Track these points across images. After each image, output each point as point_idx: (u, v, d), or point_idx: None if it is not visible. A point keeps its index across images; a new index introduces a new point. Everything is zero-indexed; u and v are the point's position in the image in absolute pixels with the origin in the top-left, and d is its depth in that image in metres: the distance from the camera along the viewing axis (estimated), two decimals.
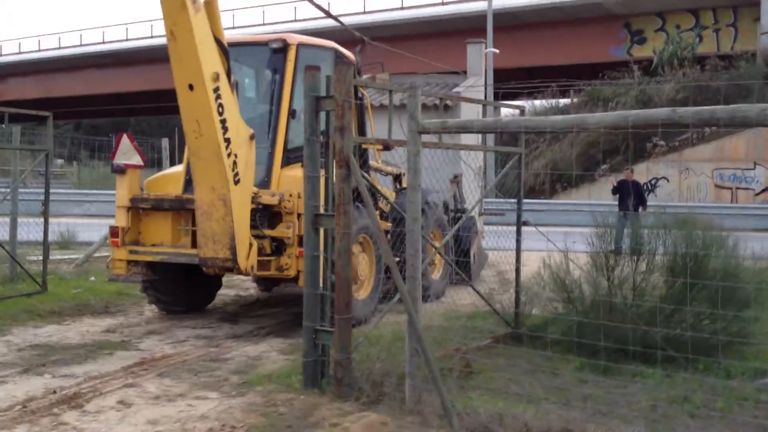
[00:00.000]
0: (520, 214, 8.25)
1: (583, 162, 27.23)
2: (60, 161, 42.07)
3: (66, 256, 14.35)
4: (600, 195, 27.15)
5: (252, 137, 7.65)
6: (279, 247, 8.11)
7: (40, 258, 11.30)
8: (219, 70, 7.05)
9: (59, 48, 53.41)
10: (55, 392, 6.01)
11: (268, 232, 8.09)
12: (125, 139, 8.97)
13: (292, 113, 8.54)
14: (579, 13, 34.64)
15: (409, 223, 5.44)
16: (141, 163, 8.94)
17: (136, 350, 7.58)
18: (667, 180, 27.53)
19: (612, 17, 34.54)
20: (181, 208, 8.50)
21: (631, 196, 16.39)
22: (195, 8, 6.72)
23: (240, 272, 7.82)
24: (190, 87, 6.91)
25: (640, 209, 16.47)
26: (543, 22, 35.29)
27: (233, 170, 7.27)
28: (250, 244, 7.70)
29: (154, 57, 49.67)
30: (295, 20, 43.43)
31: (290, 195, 7.97)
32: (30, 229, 11.69)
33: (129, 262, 8.67)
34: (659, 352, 6.68)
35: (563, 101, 32.03)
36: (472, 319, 8.87)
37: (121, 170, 8.72)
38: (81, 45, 52.50)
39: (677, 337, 6.90)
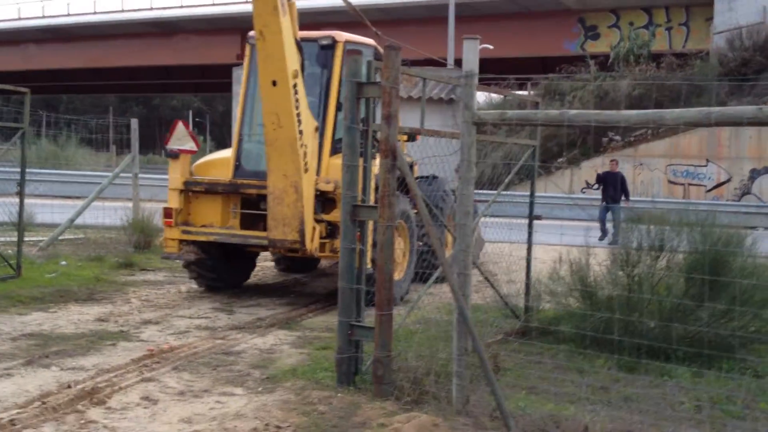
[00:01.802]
0: (533, 207, 8.19)
1: (541, 155, 27.20)
2: None
3: (28, 239, 13.66)
4: (556, 188, 27.34)
5: (316, 129, 8.30)
6: (333, 230, 8.55)
7: (7, 239, 10.80)
8: (297, 68, 7.72)
9: None
10: (69, 387, 5.63)
11: (325, 216, 8.58)
12: (180, 126, 9.51)
13: (338, 106, 8.94)
14: (534, 6, 34.82)
15: (460, 217, 5.22)
16: (195, 148, 9.51)
17: (138, 341, 7.19)
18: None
19: (566, 12, 34.80)
20: (235, 192, 9.13)
21: (615, 186, 16.75)
22: (283, 11, 7.32)
23: (304, 253, 8.47)
24: (273, 83, 7.52)
25: (623, 199, 16.84)
26: (498, 14, 35.34)
27: (303, 159, 7.90)
28: (314, 228, 8.30)
29: (96, 33, 48.27)
30: None
31: None
32: None
33: (181, 241, 9.24)
34: (681, 350, 6.66)
35: (519, 93, 32.08)
36: (473, 312, 8.69)
37: (175, 155, 9.27)
38: (19, 18, 50.58)
39: (698, 335, 6.86)
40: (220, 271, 9.72)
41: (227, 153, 9.70)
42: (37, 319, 7.91)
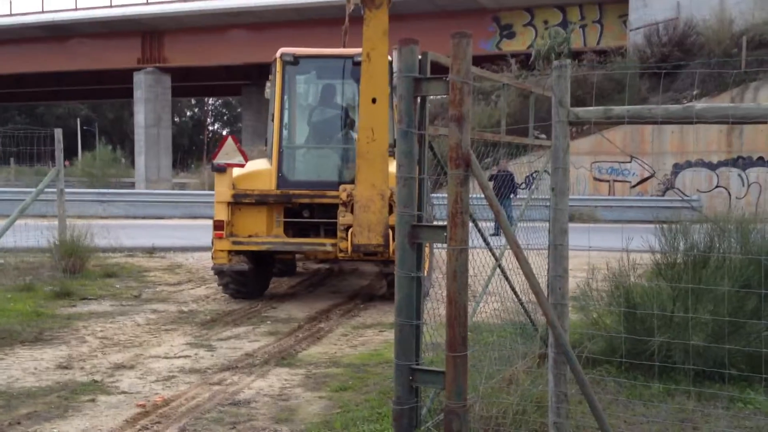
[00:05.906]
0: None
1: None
2: None
3: None
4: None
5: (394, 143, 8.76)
6: None
7: None
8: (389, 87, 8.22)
9: None
10: None
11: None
12: (230, 141, 9.65)
13: None
14: (449, 6, 34.34)
15: (556, 236, 4.36)
16: (243, 162, 9.64)
17: (120, 393, 6.01)
18: (548, 173, 27.58)
19: (482, 11, 34.47)
20: (284, 202, 9.64)
21: (505, 184, 16.96)
22: (387, 36, 7.74)
23: (385, 257, 8.91)
24: (373, 100, 7.95)
25: (512, 197, 17.15)
26: (414, 13, 34.68)
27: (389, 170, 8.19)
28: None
29: (8, 38, 45.13)
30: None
31: None
32: None
33: (229, 252, 9.48)
34: (738, 372, 6.02)
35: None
36: (482, 333, 7.80)
37: (223, 170, 9.48)
38: None
39: (748, 353, 6.21)
40: (253, 281, 10.03)
41: (264, 165, 10.06)
42: None
